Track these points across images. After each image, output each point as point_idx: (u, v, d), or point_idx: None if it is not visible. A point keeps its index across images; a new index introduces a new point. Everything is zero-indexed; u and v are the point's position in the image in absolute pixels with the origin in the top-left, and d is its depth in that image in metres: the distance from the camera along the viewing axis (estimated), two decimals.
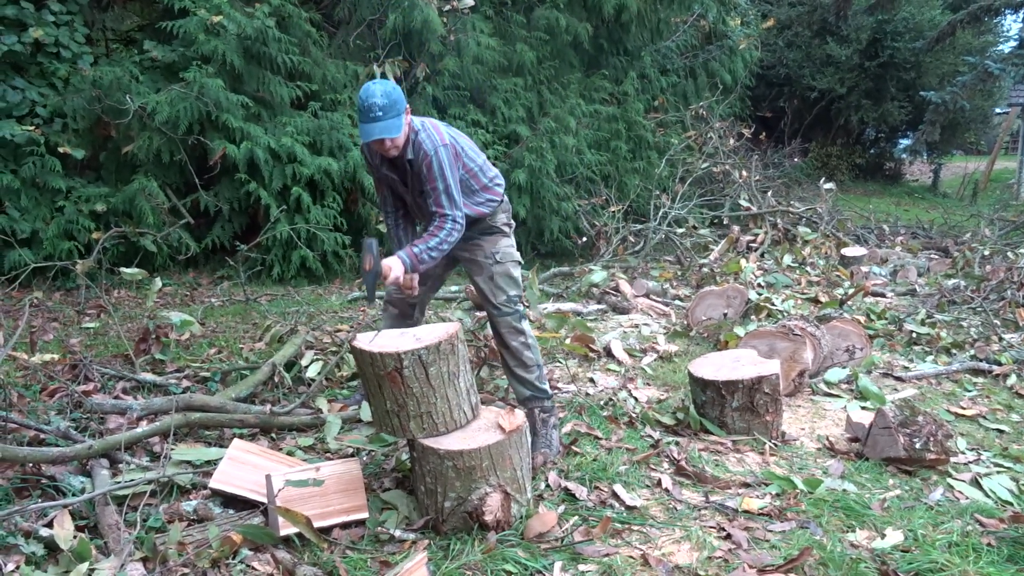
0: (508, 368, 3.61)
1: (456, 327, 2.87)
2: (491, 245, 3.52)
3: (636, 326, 5.98)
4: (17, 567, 2.36)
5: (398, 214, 3.54)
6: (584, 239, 8.83)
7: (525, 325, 3.58)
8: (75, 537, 2.51)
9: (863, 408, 4.28)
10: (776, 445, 3.74)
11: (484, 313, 5.67)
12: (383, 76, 7.73)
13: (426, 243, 3.20)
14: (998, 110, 21.58)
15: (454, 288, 6.68)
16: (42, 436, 3.17)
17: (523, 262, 3.67)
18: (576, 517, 2.94)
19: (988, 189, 17.84)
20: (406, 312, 3.70)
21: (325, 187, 7.21)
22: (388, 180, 3.40)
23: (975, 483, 3.39)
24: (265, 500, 2.82)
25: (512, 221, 3.67)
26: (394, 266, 3.14)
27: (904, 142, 20.23)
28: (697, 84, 11.36)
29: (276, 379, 4.11)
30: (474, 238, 3.50)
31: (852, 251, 8.85)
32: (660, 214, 8.83)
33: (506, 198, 3.60)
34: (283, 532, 2.62)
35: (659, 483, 3.27)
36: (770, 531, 2.89)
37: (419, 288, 3.48)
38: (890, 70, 16.88)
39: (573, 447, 3.56)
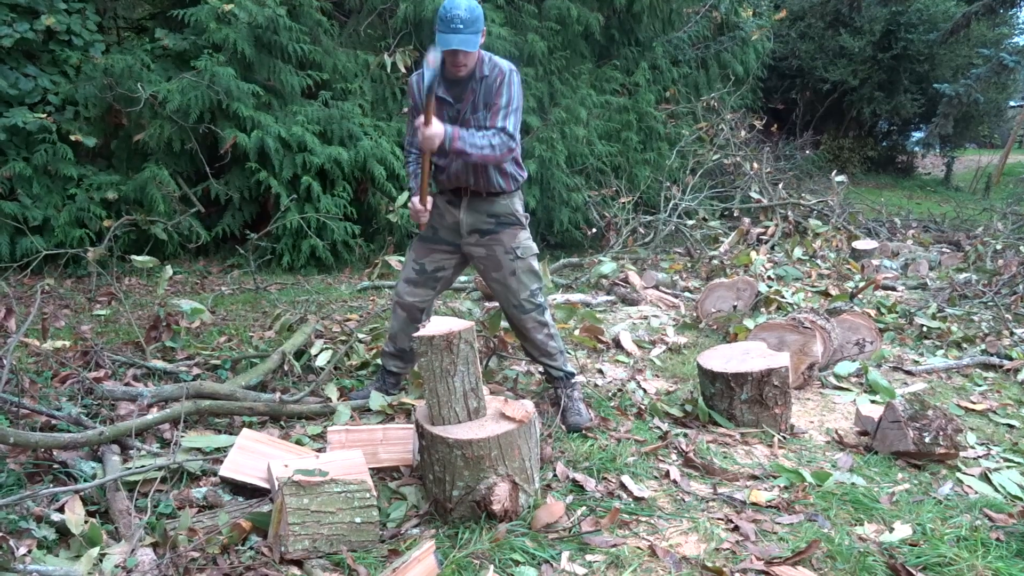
0: (532, 357, 3.69)
1: (462, 327, 2.77)
2: (510, 239, 3.47)
3: (645, 317, 5.97)
4: (29, 551, 2.39)
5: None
6: (594, 230, 8.81)
7: (547, 316, 3.59)
8: (86, 522, 2.53)
9: (873, 402, 4.26)
10: (785, 438, 3.74)
11: (494, 304, 5.67)
12: (394, 65, 7.73)
13: (472, 133, 3.16)
14: (1012, 103, 21.36)
15: (463, 278, 6.67)
16: (54, 422, 3.19)
17: (539, 252, 3.67)
18: (584, 508, 2.94)
19: (1001, 183, 17.68)
20: (415, 316, 3.68)
21: (335, 176, 7.21)
22: (438, 103, 3.26)
23: (984, 478, 3.37)
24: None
25: (527, 213, 3.67)
26: (436, 127, 3.06)
27: (917, 135, 20.01)
28: (709, 75, 11.27)
29: (286, 367, 4.13)
30: (492, 230, 3.46)
31: (863, 244, 8.81)
32: (670, 206, 8.80)
33: None
34: None
35: (667, 475, 3.27)
36: (778, 523, 2.89)
37: (429, 289, 3.51)
38: (903, 62, 16.72)
39: (585, 432, 3.59)
